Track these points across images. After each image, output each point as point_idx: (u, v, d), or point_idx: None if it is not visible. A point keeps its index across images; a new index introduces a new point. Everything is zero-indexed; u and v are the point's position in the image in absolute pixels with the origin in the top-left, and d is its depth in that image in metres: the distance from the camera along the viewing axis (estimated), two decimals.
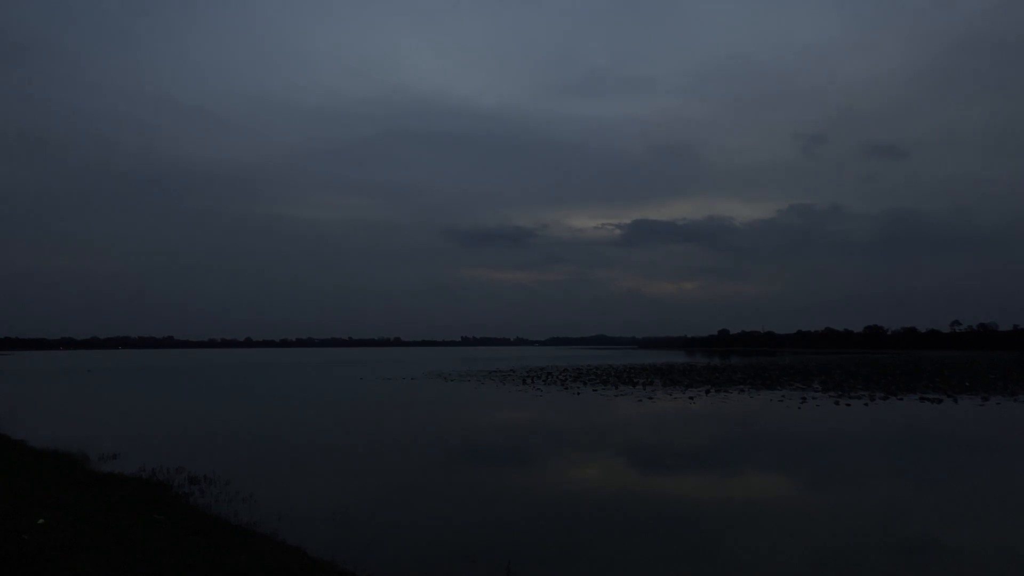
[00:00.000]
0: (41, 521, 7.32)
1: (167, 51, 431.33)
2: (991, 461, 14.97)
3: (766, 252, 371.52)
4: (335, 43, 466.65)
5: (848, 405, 26.34)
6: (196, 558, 6.78)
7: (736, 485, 12.49)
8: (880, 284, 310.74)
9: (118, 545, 6.90)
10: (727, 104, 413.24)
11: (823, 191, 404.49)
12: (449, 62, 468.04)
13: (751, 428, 20.42)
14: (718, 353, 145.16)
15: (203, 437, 18.92)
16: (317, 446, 17.15)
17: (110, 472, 12.68)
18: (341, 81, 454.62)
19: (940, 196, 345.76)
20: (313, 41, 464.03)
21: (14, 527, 6.91)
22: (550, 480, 12.90)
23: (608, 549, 8.57)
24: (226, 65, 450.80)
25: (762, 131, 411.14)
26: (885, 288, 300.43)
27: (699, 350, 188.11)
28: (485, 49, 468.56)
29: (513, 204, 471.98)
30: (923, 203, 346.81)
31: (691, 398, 29.83)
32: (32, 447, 15.74)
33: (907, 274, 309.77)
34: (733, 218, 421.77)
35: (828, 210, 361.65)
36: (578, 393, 33.25)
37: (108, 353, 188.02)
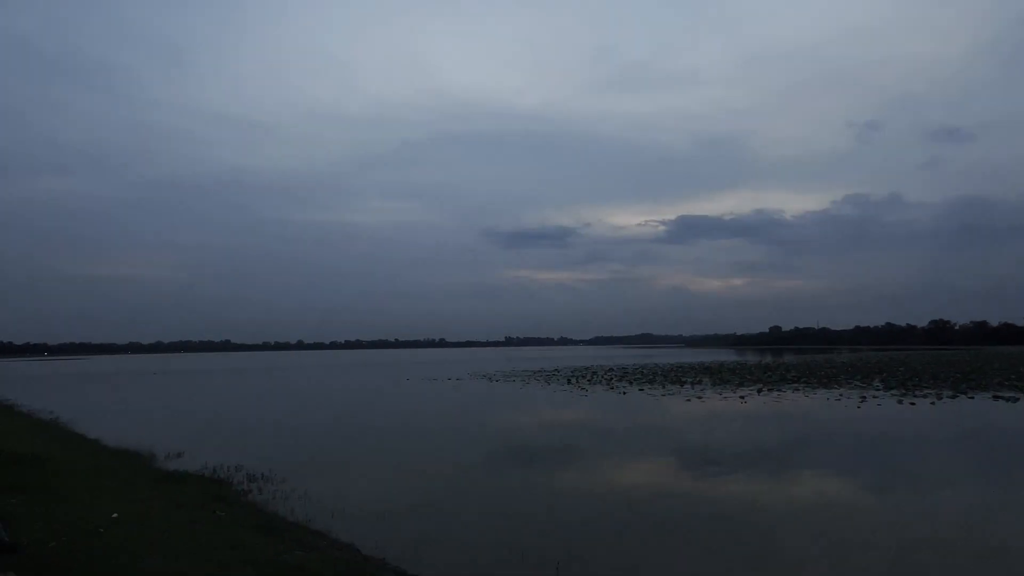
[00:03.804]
0: (115, 515, 7.78)
1: (218, 65, 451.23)
2: None
3: (819, 245, 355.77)
4: (376, 50, 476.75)
5: (913, 404, 24.99)
6: (256, 553, 7.05)
7: (794, 488, 12.04)
8: (945, 276, 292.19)
9: (184, 539, 7.25)
10: (774, 92, 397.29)
11: (880, 180, 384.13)
12: (487, 63, 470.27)
13: (808, 428, 19.65)
14: (770, 351, 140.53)
15: (260, 436, 19.68)
16: (367, 445, 17.56)
17: (175, 470, 13.35)
18: (383, 87, 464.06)
19: (1010, 181, 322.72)
20: (355, 49, 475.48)
21: (92, 521, 7.36)
22: (598, 480, 12.77)
23: (658, 552, 8.41)
24: (274, 77, 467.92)
25: (813, 119, 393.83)
26: (951, 280, 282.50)
27: (749, 348, 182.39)
28: (522, 48, 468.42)
29: (554, 203, 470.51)
30: (991, 189, 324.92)
31: (742, 397, 28.97)
32: (106, 446, 16.74)
33: (975, 265, 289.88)
34: (783, 211, 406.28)
35: (886, 199, 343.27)
36: (624, 393, 32.82)
37: (171, 357, 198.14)
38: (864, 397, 27.93)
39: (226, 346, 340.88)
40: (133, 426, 22.24)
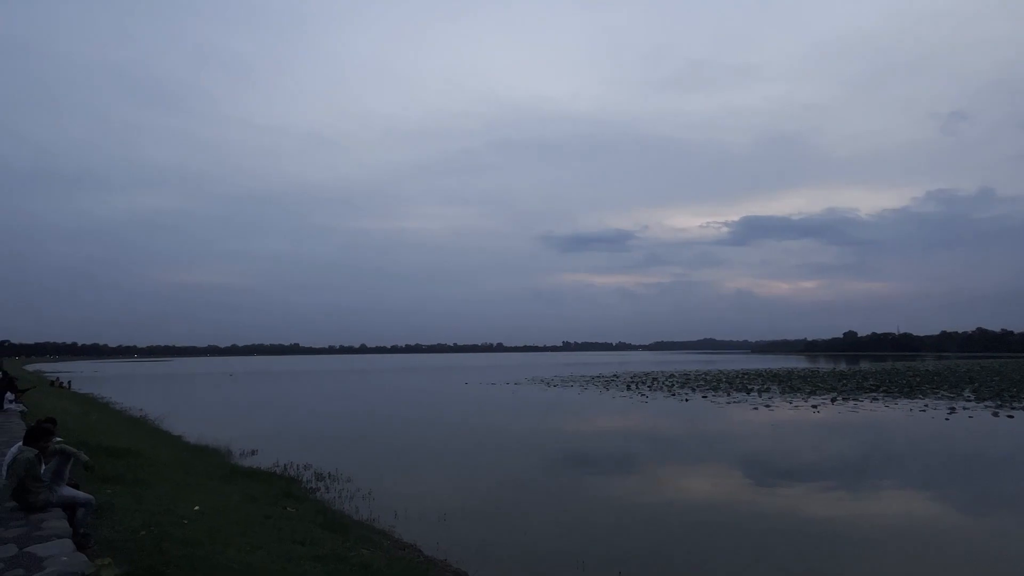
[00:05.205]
0: (197, 508, 8.26)
1: (283, 81, 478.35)
2: None
3: (899, 245, 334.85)
4: (434, 60, 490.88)
5: (1010, 417, 22.92)
6: (323, 549, 7.30)
7: (874, 508, 11.27)
8: None
9: (258, 533, 7.61)
10: (846, 85, 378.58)
11: (968, 173, 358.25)
12: (543, 68, 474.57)
13: (889, 441, 18.39)
14: (844, 358, 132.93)
15: (327, 436, 20.45)
16: (429, 448, 17.87)
17: (250, 466, 14.06)
18: (440, 97, 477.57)
19: None
20: (412, 61, 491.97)
21: (177, 512, 7.85)
22: (660, 490, 12.44)
23: (722, 565, 8.07)
24: (335, 90, 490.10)
25: (890, 111, 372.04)
26: None
27: (822, 355, 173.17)
28: (578, 50, 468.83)
29: (612, 206, 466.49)
30: None
31: (815, 407, 27.48)
32: (188, 442, 17.86)
33: None
34: (857, 209, 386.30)
35: (975, 194, 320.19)
36: (686, 400, 31.87)
37: (245, 359, 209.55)
38: (953, 408, 25.87)
39: (295, 349, 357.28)
40: (211, 424, 23.61)
